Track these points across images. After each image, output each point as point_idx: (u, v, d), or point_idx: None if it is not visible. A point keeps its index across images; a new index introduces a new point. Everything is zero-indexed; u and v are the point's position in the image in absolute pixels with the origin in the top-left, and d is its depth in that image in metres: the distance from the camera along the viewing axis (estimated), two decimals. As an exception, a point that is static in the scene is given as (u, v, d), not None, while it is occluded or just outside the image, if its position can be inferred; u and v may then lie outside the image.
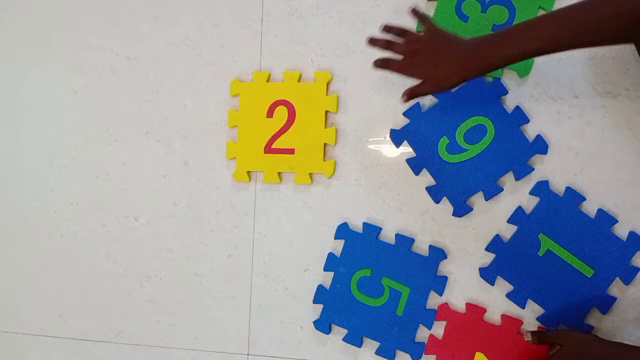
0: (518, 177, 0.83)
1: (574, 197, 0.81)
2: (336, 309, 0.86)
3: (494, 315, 0.84)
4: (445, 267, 0.85)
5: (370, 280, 0.86)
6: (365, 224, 0.87)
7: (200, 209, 0.93)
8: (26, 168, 0.99)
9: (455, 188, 0.84)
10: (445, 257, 0.85)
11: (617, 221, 0.81)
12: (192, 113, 0.94)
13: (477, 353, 0.82)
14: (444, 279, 0.85)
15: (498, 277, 0.83)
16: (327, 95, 0.89)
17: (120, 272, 0.94)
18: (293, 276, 0.90)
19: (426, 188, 0.86)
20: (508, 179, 0.83)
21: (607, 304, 0.80)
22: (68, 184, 0.97)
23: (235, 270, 0.91)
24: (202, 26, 0.95)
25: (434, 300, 0.85)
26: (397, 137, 0.87)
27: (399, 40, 0.75)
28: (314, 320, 0.87)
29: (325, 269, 0.88)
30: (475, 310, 0.84)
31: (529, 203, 0.83)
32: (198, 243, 0.93)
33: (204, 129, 0.94)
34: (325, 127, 0.89)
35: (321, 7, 0.92)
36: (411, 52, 0.73)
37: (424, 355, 0.84)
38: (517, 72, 0.83)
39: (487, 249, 0.84)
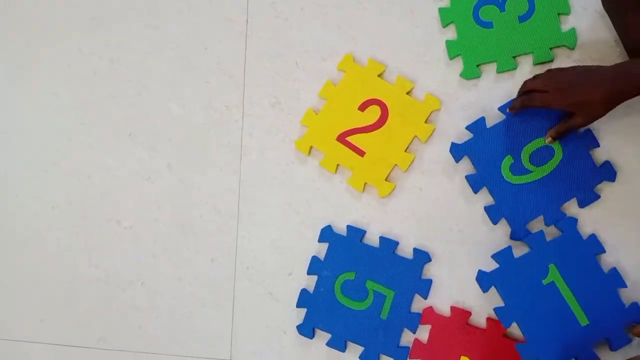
0: (582, 205, 0.82)
1: (594, 245, 0.81)
2: (320, 313, 0.85)
3: (479, 319, 0.83)
4: (430, 271, 0.85)
5: (354, 283, 0.85)
6: (349, 227, 0.87)
7: (183, 212, 0.92)
8: (7, 172, 0.97)
9: (516, 210, 0.82)
10: (430, 260, 0.85)
11: (627, 286, 0.80)
12: (176, 116, 0.94)
13: (462, 357, 0.82)
14: (429, 282, 0.84)
15: (493, 287, 0.82)
16: (425, 122, 0.87)
17: (102, 276, 0.93)
18: (277, 280, 0.89)
19: (485, 207, 0.84)
20: (571, 205, 0.82)
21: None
22: (49, 188, 0.96)
23: (218, 275, 0.90)
24: (186, 29, 0.95)
25: (418, 304, 0.84)
26: (457, 151, 0.85)
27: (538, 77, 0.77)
28: (297, 324, 0.86)
29: (309, 272, 0.87)
30: (460, 314, 0.83)
31: (552, 231, 0.82)
32: (181, 247, 0.92)
33: (188, 132, 0.93)
34: (405, 151, 0.87)
35: (306, 10, 0.92)
36: (556, 83, 0.74)
37: (408, 359, 0.83)
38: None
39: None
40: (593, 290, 0.79)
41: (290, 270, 0.89)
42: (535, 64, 0.85)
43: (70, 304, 0.94)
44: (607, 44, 0.85)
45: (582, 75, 0.74)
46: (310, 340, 0.86)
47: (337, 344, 0.85)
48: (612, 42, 0.84)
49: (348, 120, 0.88)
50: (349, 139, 0.88)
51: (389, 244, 0.85)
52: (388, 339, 0.83)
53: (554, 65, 0.84)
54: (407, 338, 0.84)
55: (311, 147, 0.89)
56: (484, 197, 0.85)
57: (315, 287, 0.86)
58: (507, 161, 0.83)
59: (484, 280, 0.82)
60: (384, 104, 0.87)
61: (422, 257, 0.84)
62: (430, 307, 0.84)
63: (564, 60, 0.85)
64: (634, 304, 0.79)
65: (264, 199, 0.91)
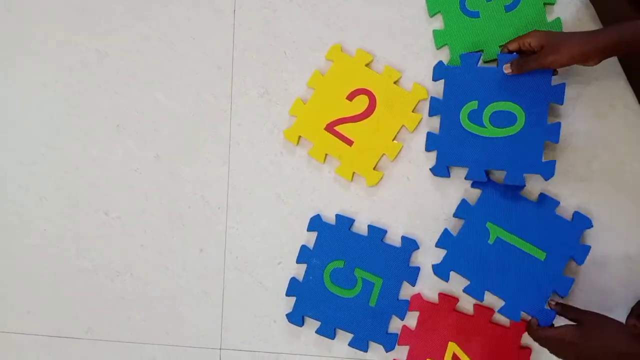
0: (507, 181, 0.82)
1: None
2: (309, 301, 0.86)
3: (466, 305, 0.84)
4: (417, 258, 0.86)
5: (343, 271, 0.86)
6: (338, 216, 0.87)
7: (171, 203, 0.92)
8: (-6, 163, 0.97)
9: (455, 151, 0.84)
10: (418, 248, 0.85)
11: (559, 203, 0.82)
12: (164, 107, 0.93)
13: (449, 342, 0.83)
14: (417, 269, 0.85)
15: (452, 272, 0.83)
16: (412, 112, 0.87)
17: (91, 268, 0.93)
18: (266, 270, 0.89)
19: (427, 132, 0.86)
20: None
21: (565, 286, 0.80)
22: (37, 180, 0.95)
23: (207, 265, 0.90)
24: (174, 19, 0.94)
25: (406, 291, 0.85)
26: (439, 71, 0.86)
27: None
28: (287, 313, 0.87)
29: (298, 261, 0.87)
30: (448, 301, 0.84)
31: (474, 194, 0.84)
32: (170, 238, 0.92)
33: (176, 123, 0.93)
34: (393, 140, 0.88)
35: (294, 0, 0.92)
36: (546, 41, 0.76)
37: (397, 346, 0.84)
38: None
39: (437, 245, 0.84)
40: (534, 223, 0.81)
41: (279, 260, 0.89)
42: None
43: (59, 294, 0.93)
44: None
45: (553, 37, 0.76)
46: (300, 328, 0.87)
47: (327, 331, 0.85)
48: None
49: (336, 109, 0.88)
50: (337, 128, 0.88)
51: (377, 233, 0.86)
52: (377, 326, 0.84)
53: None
54: (395, 325, 0.85)
55: (300, 137, 0.89)
56: (469, 185, 0.86)
57: (304, 275, 0.87)
58: (471, 105, 0.83)
59: (441, 270, 0.83)
60: (372, 93, 0.88)
61: (410, 245, 0.85)
62: (419, 294, 0.84)
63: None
64: (576, 214, 0.82)
65: (252, 189, 0.91)
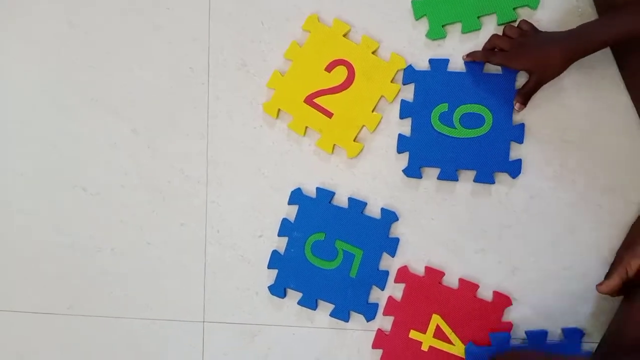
0: (477, 179, 0.85)
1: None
2: (291, 273, 0.87)
3: (452, 279, 0.85)
4: (397, 229, 0.87)
5: (324, 243, 0.86)
6: (318, 189, 0.87)
7: (151, 178, 0.91)
8: (-34, 140, 0.95)
9: (422, 150, 0.86)
10: (397, 219, 0.86)
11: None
12: (140, 80, 0.92)
13: (433, 315, 0.84)
14: (396, 240, 0.86)
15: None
16: (391, 82, 0.87)
17: (70, 244, 0.92)
18: (247, 243, 0.89)
19: (399, 134, 0.87)
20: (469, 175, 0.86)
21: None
22: (13, 156, 0.93)
23: (188, 239, 0.90)
24: (147, -11, 0.92)
25: (386, 262, 0.86)
26: (409, 75, 0.87)
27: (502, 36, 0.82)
28: (269, 285, 0.87)
29: (280, 234, 0.88)
30: (434, 274, 0.85)
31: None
32: (150, 212, 0.91)
33: (153, 96, 0.91)
34: (372, 112, 0.87)
35: (270, -31, 0.90)
36: (517, 44, 0.80)
37: (382, 316, 0.86)
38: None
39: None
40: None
41: (260, 233, 0.89)
42: (500, 23, 0.86)
43: (39, 271, 0.93)
44: (569, 2, 0.86)
45: (541, 39, 0.79)
46: (282, 300, 0.88)
47: (308, 302, 0.86)
48: (573, 1, 0.86)
49: (315, 81, 0.88)
50: (316, 100, 0.88)
51: (357, 205, 0.86)
52: (357, 296, 0.85)
53: (517, 25, 0.85)
54: (375, 295, 0.86)
55: (279, 110, 0.89)
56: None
57: (285, 248, 0.87)
58: (442, 107, 0.85)
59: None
60: (350, 64, 0.87)
61: (389, 216, 0.86)
62: (405, 267, 0.86)
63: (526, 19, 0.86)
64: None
65: (232, 163, 0.90)
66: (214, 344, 0.90)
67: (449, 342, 0.84)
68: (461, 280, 0.85)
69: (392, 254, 0.86)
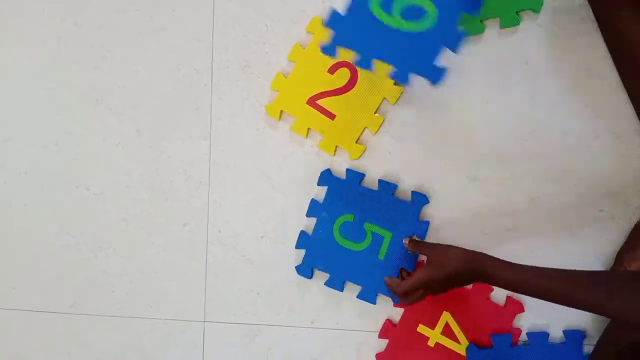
0: (396, 77, 0.74)
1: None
2: (319, 254, 0.87)
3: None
4: (428, 212, 0.86)
5: (353, 225, 0.86)
6: (348, 170, 0.87)
7: (154, 178, 0.92)
8: (-29, 139, 0.95)
9: (356, 36, 0.74)
10: (428, 202, 0.86)
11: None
12: (144, 80, 0.92)
13: (444, 312, 0.85)
14: (426, 224, 0.86)
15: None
16: (394, 85, 0.87)
17: (73, 243, 0.93)
18: (249, 243, 0.90)
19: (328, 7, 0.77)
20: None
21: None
22: (16, 156, 0.94)
23: (191, 239, 0.91)
24: (152, -10, 0.93)
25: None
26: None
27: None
28: (296, 265, 0.87)
29: (308, 215, 0.88)
30: None
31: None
32: (152, 212, 0.92)
33: (157, 97, 0.92)
34: (375, 113, 0.87)
35: (274, -29, 0.91)
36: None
37: (393, 307, 0.86)
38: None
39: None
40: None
41: (262, 234, 0.90)
42: (502, 27, 0.86)
43: (42, 271, 0.93)
44: (571, 5, 0.86)
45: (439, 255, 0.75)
46: (283, 303, 0.88)
47: (336, 283, 0.86)
48: (575, 6, 0.86)
49: (318, 83, 0.88)
50: (319, 102, 0.88)
51: (387, 187, 0.86)
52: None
53: (520, 28, 0.85)
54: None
55: (282, 112, 0.89)
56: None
57: (314, 229, 0.87)
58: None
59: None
60: (353, 66, 0.88)
61: (420, 199, 0.86)
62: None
63: (529, 23, 0.86)
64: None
65: (235, 164, 0.91)
66: (215, 344, 0.90)
67: (457, 340, 0.84)
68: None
69: (422, 237, 0.85)
